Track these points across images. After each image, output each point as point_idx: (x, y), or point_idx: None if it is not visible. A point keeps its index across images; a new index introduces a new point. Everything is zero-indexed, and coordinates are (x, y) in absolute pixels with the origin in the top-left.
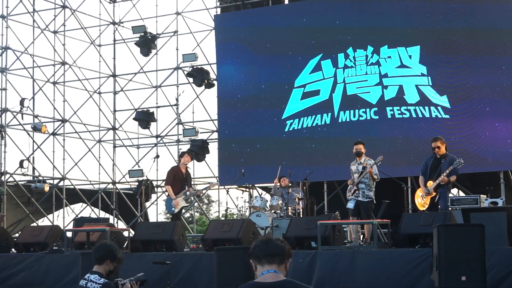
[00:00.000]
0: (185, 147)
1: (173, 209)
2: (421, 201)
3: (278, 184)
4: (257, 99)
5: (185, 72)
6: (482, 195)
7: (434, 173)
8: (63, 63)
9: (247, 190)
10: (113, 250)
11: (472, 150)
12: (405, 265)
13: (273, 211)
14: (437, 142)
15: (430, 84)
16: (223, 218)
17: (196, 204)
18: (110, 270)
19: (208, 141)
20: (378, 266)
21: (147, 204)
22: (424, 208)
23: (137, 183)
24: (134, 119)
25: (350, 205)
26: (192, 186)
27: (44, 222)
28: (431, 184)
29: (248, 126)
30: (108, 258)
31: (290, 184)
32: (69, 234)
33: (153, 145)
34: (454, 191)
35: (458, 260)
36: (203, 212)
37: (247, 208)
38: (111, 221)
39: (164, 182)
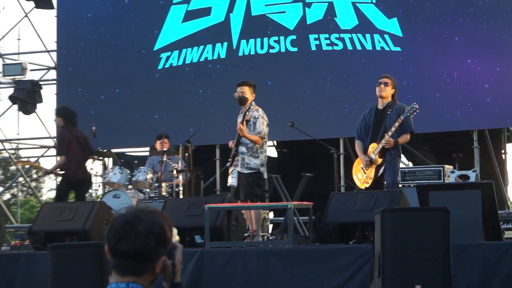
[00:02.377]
0: (5, 92)
1: None
2: (362, 176)
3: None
4: (117, 21)
5: None
6: (447, 166)
7: (377, 132)
8: None
9: (100, 158)
10: None
11: (433, 99)
12: (334, 269)
13: (139, 189)
14: (384, 77)
15: (374, 1)
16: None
17: (20, 179)
18: None
19: (41, 83)
20: (295, 270)
21: None
22: (367, 185)
23: None
24: None
25: (231, 181)
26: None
27: None
28: (374, 147)
29: (103, 60)
30: None
31: (166, 149)
32: None
33: None
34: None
35: (411, 261)
36: (32, 190)
37: (99, 185)
38: None
39: None
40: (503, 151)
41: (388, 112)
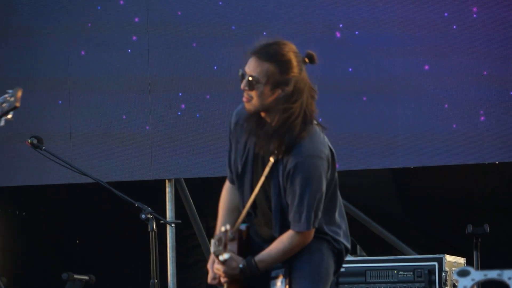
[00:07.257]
0: None
1: None
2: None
3: None
4: None
5: None
6: (449, 258)
7: (250, 188)
8: None
9: None
10: None
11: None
12: None
13: None
14: (252, 58)
15: None
16: None
17: None
18: None
19: None
20: None
21: None
22: None
23: None
24: None
25: None
26: None
27: None
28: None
29: None
30: None
31: None
32: None
33: None
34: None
35: None
36: None
37: None
38: None
39: None
40: None
41: (272, 160)
